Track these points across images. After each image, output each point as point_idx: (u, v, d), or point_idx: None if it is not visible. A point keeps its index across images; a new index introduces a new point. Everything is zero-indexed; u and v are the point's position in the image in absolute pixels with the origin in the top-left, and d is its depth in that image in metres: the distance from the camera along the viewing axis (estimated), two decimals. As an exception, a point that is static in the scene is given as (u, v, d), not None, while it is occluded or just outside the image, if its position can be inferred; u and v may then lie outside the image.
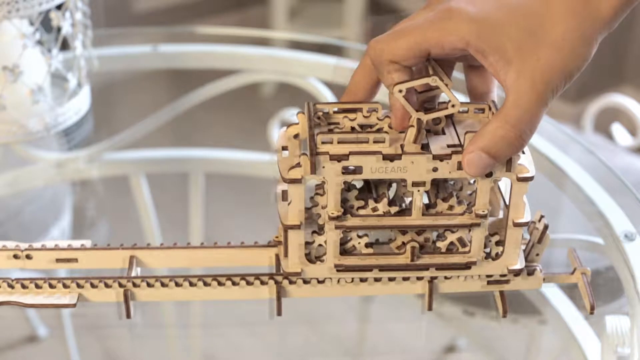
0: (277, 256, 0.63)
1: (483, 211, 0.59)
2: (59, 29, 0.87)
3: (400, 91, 0.56)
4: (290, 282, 0.62)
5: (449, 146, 0.57)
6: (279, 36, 2.22)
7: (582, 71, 0.57)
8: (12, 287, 0.62)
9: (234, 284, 0.62)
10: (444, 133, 0.59)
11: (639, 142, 1.36)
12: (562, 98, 2.19)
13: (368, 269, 0.61)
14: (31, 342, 1.55)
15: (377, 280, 0.62)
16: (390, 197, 0.61)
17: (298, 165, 0.57)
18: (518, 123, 0.55)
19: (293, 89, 1.09)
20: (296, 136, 0.60)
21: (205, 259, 0.65)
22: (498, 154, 0.56)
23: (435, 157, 0.57)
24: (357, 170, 0.57)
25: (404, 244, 0.60)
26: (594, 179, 0.85)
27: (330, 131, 0.58)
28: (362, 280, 0.62)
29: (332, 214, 0.58)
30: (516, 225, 0.59)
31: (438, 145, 0.57)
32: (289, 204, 0.59)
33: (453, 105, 0.57)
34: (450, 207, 0.59)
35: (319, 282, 0.62)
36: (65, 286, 0.62)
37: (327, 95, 1.03)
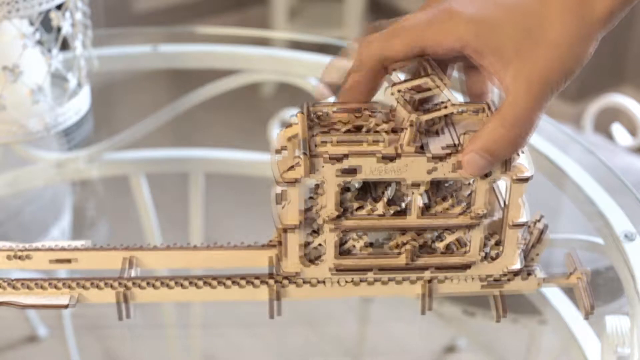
0: (276, 257, 0.63)
1: (481, 212, 0.58)
2: (59, 29, 0.87)
3: (399, 91, 0.56)
4: (289, 283, 0.62)
5: (447, 146, 0.57)
6: (279, 36, 2.22)
7: (582, 71, 0.57)
8: (8, 287, 0.62)
9: (232, 284, 0.62)
10: (442, 133, 0.59)
11: (639, 142, 1.36)
12: (562, 98, 2.19)
13: (366, 269, 0.60)
14: (31, 342, 1.55)
15: (375, 281, 0.62)
16: (389, 198, 0.61)
17: (295, 166, 0.57)
18: (516, 123, 0.55)
19: (293, 89, 1.09)
20: (292, 137, 0.60)
21: (203, 259, 0.65)
22: (496, 154, 0.56)
23: (433, 158, 0.56)
24: (354, 171, 0.57)
25: (402, 244, 0.60)
26: (594, 179, 0.85)
27: (328, 132, 0.58)
28: (361, 281, 0.62)
29: (329, 215, 0.58)
30: (514, 225, 0.59)
31: (436, 145, 0.57)
32: (287, 204, 0.58)
33: (450, 106, 0.57)
34: (449, 208, 0.59)
35: (317, 282, 0.61)
36: (62, 286, 0.62)
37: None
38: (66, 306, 0.61)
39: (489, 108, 0.59)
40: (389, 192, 0.61)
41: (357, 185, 0.60)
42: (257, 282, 0.62)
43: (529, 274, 0.62)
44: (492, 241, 0.60)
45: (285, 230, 0.59)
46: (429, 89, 0.58)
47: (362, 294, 0.63)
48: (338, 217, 0.58)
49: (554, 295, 0.87)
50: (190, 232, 1.20)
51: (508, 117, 0.55)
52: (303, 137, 0.58)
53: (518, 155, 0.58)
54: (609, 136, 1.43)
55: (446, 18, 0.55)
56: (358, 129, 0.59)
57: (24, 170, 1.08)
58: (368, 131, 0.58)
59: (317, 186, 0.59)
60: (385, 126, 0.58)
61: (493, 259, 0.61)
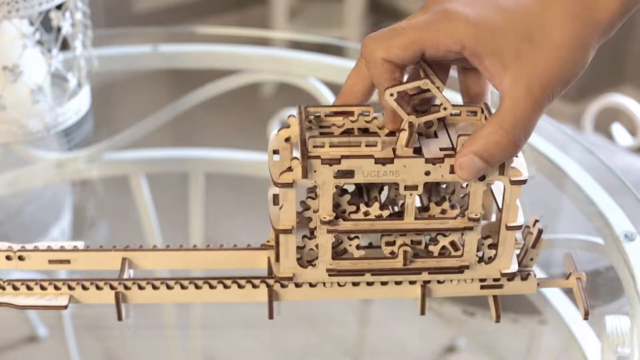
0: (274, 258, 0.63)
1: (476, 215, 0.58)
2: (59, 29, 0.87)
3: (392, 95, 0.56)
4: (283, 286, 0.61)
5: (441, 149, 0.57)
6: (279, 36, 2.22)
7: (582, 71, 0.57)
8: (3, 288, 0.62)
9: (225, 287, 0.62)
10: (436, 136, 0.58)
11: (639, 142, 1.36)
12: (562, 98, 2.19)
13: (361, 273, 0.60)
14: (31, 342, 1.55)
15: (370, 284, 0.61)
16: (383, 201, 0.61)
17: (290, 169, 0.57)
18: (513, 129, 0.55)
19: (293, 89, 1.09)
20: (288, 140, 0.60)
21: (203, 260, 0.65)
22: (491, 158, 0.56)
23: (428, 161, 0.56)
24: (350, 174, 0.56)
25: (398, 247, 0.60)
26: (594, 179, 0.85)
27: (323, 134, 0.58)
28: (355, 284, 0.61)
29: (325, 218, 0.58)
30: (509, 228, 0.59)
31: (431, 148, 0.57)
32: (280, 207, 0.58)
33: (445, 108, 0.57)
34: (443, 211, 0.59)
35: (311, 285, 0.61)
36: (56, 288, 0.62)
37: (327, 96, 1.03)
38: (65, 307, 0.61)
39: (484, 111, 0.58)
40: (383, 195, 0.61)
41: (350, 189, 0.60)
42: (249, 285, 0.62)
43: (523, 279, 0.62)
44: (487, 244, 0.60)
45: (279, 234, 0.59)
46: (425, 92, 0.58)
47: (357, 297, 0.63)
48: (332, 220, 0.58)
49: (554, 295, 0.87)
50: (190, 232, 1.20)
51: (506, 121, 0.55)
52: (297, 139, 0.58)
53: (513, 158, 0.57)
54: (609, 136, 1.43)
55: (445, 20, 0.55)
56: (354, 131, 0.59)
57: (24, 170, 1.08)
58: (364, 133, 0.58)
59: (310, 189, 0.59)
60: (378, 129, 0.58)
61: (488, 262, 0.60)
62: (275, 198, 0.60)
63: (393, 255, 0.60)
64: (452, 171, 0.56)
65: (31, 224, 1.17)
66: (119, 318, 0.62)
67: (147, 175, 1.13)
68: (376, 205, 0.58)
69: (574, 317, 0.84)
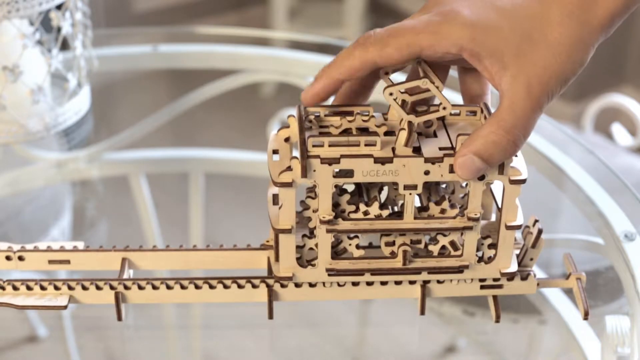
0: (273, 258, 0.63)
1: (475, 214, 0.58)
2: (59, 29, 0.87)
3: (391, 94, 0.56)
4: (282, 286, 0.61)
5: (441, 149, 0.57)
6: (279, 36, 2.22)
7: (583, 71, 0.56)
8: (3, 288, 0.62)
9: (225, 287, 0.62)
10: (436, 136, 0.58)
11: (639, 142, 1.36)
12: (562, 98, 2.19)
13: (360, 273, 0.60)
14: (31, 342, 1.55)
15: (369, 284, 0.61)
16: (382, 200, 0.61)
17: (289, 168, 0.57)
18: (512, 129, 0.55)
19: (293, 89, 1.09)
20: (287, 139, 0.60)
21: (199, 261, 0.65)
22: (490, 158, 0.55)
23: (427, 160, 0.56)
24: (349, 173, 0.56)
25: (397, 246, 0.60)
26: (594, 179, 0.85)
27: (322, 134, 0.58)
28: (355, 284, 0.61)
29: (324, 217, 0.58)
30: (509, 228, 0.59)
31: (430, 148, 0.57)
32: (280, 207, 0.58)
33: (444, 108, 0.57)
34: (443, 211, 0.59)
35: (311, 285, 0.61)
36: (56, 288, 0.62)
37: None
38: (65, 307, 0.61)
39: (483, 111, 0.58)
40: (382, 195, 0.61)
41: (350, 188, 0.60)
42: (249, 285, 0.62)
43: (523, 279, 0.62)
44: (486, 243, 0.60)
45: (279, 233, 0.59)
46: (424, 91, 0.58)
47: (357, 297, 0.63)
48: (331, 220, 0.58)
49: (554, 295, 0.87)
50: (190, 232, 1.20)
51: (504, 123, 0.55)
52: (296, 139, 0.58)
53: (512, 158, 0.57)
54: (609, 136, 1.43)
55: (444, 22, 0.55)
56: (353, 130, 0.59)
57: (24, 170, 1.08)
58: (363, 133, 0.58)
59: (309, 189, 0.59)
60: (379, 128, 0.58)
61: (487, 261, 0.60)
62: (275, 198, 0.60)
63: (392, 255, 0.60)
64: (451, 171, 0.56)
65: (31, 224, 1.17)
66: (119, 318, 0.62)
67: (147, 175, 1.13)
68: (376, 204, 0.58)
69: (574, 317, 0.84)
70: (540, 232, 0.61)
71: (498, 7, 0.55)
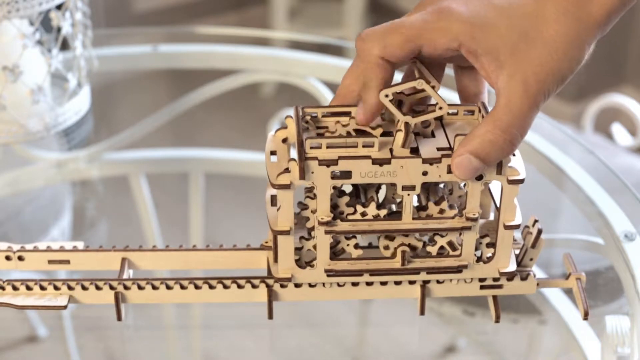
0: (272, 259, 0.63)
1: (474, 214, 0.58)
2: (59, 29, 0.87)
3: (387, 96, 0.56)
4: (282, 286, 0.61)
5: (438, 149, 0.57)
6: (279, 36, 2.22)
7: (582, 71, 0.56)
8: (2, 288, 0.62)
9: (225, 287, 0.62)
10: (433, 136, 0.58)
11: (639, 142, 1.36)
12: (562, 98, 2.19)
13: (359, 273, 0.60)
14: (31, 342, 1.55)
15: (369, 284, 0.61)
16: (380, 201, 0.61)
17: (287, 170, 0.57)
18: (509, 128, 0.55)
19: (293, 89, 1.09)
20: (285, 140, 0.60)
21: (199, 261, 0.65)
22: (487, 158, 0.55)
23: (425, 161, 0.56)
24: (347, 174, 0.56)
25: (396, 247, 0.60)
26: (594, 179, 0.85)
27: (320, 136, 0.58)
28: (355, 284, 0.61)
29: (322, 219, 0.58)
30: (507, 227, 0.59)
31: (428, 148, 0.57)
32: (278, 209, 0.58)
33: (441, 108, 0.57)
34: (441, 211, 0.59)
35: (311, 285, 0.61)
36: (56, 288, 0.62)
37: (327, 96, 1.03)
38: (65, 307, 0.61)
39: (481, 110, 0.58)
40: (380, 195, 0.61)
41: (348, 189, 0.60)
42: (248, 285, 0.62)
43: (523, 279, 0.62)
44: (484, 243, 0.60)
45: (277, 235, 0.59)
46: (420, 92, 0.58)
47: (356, 297, 0.63)
48: (329, 221, 0.58)
49: (554, 295, 0.87)
50: (190, 232, 1.20)
51: (500, 122, 0.55)
52: (294, 140, 0.58)
53: (510, 158, 0.57)
54: (609, 136, 1.43)
55: (441, 18, 0.55)
56: (350, 132, 0.59)
57: (24, 170, 1.08)
58: (361, 134, 0.58)
59: (308, 190, 0.59)
60: (377, 129, 0.58)
61: (486, 261, 0.60)
62: (273, 199, 0.60)
63: (391, 255, 0.60)
64: (449, 171, 0.56)
65: (31, 224, 1.17)
66: (119, 318, 0.62)
67: (147, 175, 1.13)
68: (373, 205, 0.58)
69: (574, 317, 0.84)
70: (540, 232, 0.61)
71: (494, 5, 0.55)
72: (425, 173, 0.56)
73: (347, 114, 0.59)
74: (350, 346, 1.59)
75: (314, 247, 0.59)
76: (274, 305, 0.62)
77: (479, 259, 0.60)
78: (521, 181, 0.57)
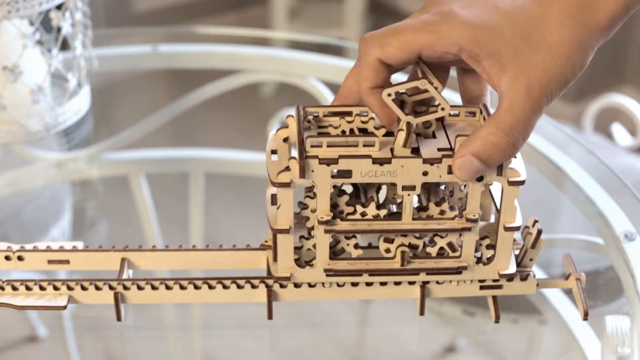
0: (272, 258, 0.63)
1: (474, 215, 0.58)
2: (59, 29, 0.87)
3: (389, 95, 0.56)
4: (281, 286, 0.61)
5: (439, 150, 0.57)
6: (279, 36, 2.22)
7: (583, 71, 0.56)
8: (2, 288, 0.62)
9: (224, 287, 0.62)
10: (434, 136, 0.58)
11: (639, 142, 1.36)
12: (562, 98, 2.19)
13: (358, 273, 0.60)
14: (31, 342, 1.55)
15: (369, 284, 0.61)
16: (381, 201, 0.61)
17: (287, 169, 0.57)
18: (511, 130, 0.55)
19: (293, 89, 1.09)
20: (286, 140, 0.60)
21: (198, 261, 0.65)
22: (489, 159, 0.55)
23: (425, 161, 0.56)
24: (347, 174, 0.56)
25: (395, 247, 0.60)
26: (594, 179, 0.85)
27: (320, 135, 0.58)
28: (354, 284, 0.61)
29: (322, 218, 0.58)
30: (507, 229, 0.59)
31: (429, 149, 0.57)
32: (278, 207, 0.58)
33: (443, 109, 0.57)
34: (442, 212, 0.59)
35: (310, 285, 0.61)
36: (55, 288, 0.62)
37: (327, 96, 1.03)
38: (64, 307, 0.61)
39: (482, 112, 0.58)
40: (380, 195, 0.61)
41: (348, 189, 0.60)
42: (248, 285, 0.62)
43: (523, 279, 0.62)
44: (484, 244, 0.60)
45: (277, 234, 0.59)
46: (423, 92, 0.58)
47: (355, 297, 0.63)
48: (329, 220, 0.58)
49: (554, 295, 0.87)
50: (190, 232, 1.20)
51: (503, 125, 0.55)
52: (295, 139, 0.58)
53: (510, 159, 0.57)
54: (609, 136, 1.43)
55: (443, 22, 0.55)
56: (351, 131, 0.58)
57: (24, 170, 1.08)
58: (361, 133, 0.58)
59: (308, 189, 0.59)
60: (378, 129, 0.58)
61: (486, 263, 0.60)
62: (273, 198, 0.60)
63: (391, 255, 0.60)
64: (450, 172, 0.56)
65: (31, 224, 1.17)
66: (118, 318, 0.62)
67: (147, 175, 1.13)
68: (373, 205, 0.58)
69: (574, 317, 0.84)
70: (539, 232, 0.61)
71: (498, 8, 0.55)
72: (425, 173, 0.56)
73: (349, 113, 0.59)
74: (350, 346, 1.59)
75: (314, 246, 0.59)
76: (274, 305, 0.62)
77: (478, 260, 0.60)
78: (522, 183, 0.57)
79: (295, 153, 0.57)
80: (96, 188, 1.19)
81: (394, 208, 0.62)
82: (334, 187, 0.57)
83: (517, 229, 0.59)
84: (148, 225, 1.16)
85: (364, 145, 0.56)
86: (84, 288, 0.62)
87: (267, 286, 0.61)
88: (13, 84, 0.83)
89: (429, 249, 0.60)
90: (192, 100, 1.10)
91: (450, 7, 0.55)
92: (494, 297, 0.62)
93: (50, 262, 0.64)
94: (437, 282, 0.62)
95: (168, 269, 0.66)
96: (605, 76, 2.22)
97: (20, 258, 0.64)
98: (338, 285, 0.61)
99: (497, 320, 0.62)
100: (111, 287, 0.62)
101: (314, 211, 0.58)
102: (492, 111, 0.57)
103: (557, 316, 0.86)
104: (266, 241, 0.63)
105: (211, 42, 1.10)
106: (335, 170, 0.56)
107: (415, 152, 0.57)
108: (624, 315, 0.74)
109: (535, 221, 0.61)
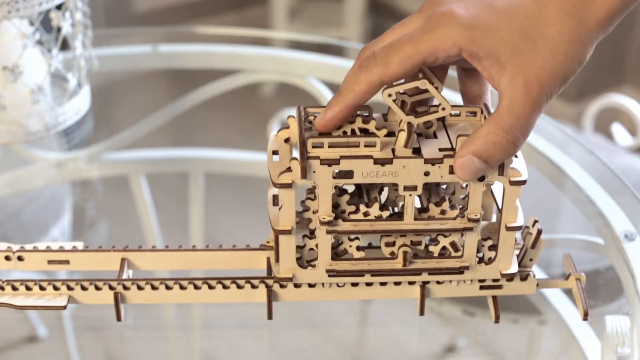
0: (273, 258, 0.63)
1: (475, 215, 0.58)
2: (59, 29, 0.87)
3: (390, 95, 0.56)
4: (282, 286, 0.61)
5: (440, 150, 0.57)
6: (279, 36, 2.22)
7: (582, 71, 0.56)
8: (2, 288, 0.62)
9: (224, 287, 0.62)
10: (435, 136, 0.58)
11: (639, 142, 1.36)
12: (562, 98, 2.19)
13: (360, 274, 0.60)
14: (31, 342, 1.55)
15: (369, 284, 0.61)
16: (382, 202, 0.61)
17: (289, 169, 0.57)
18: (511, 129, 0.55)
19: (293, 89, 1.09)
20: (287, 140, 0.60)
21: (198, 261, 0.65)
22: (490, 159, 0.55)
23: (427, 161, 0.56)
24: (349, 174, 0.56)
25: (397, 247, 0.60)
26: (594, 179, 0.85)
27: (322, 135, 0.58)
28: (354, 284, 0.61)
29: (324, 218, 0.58)
30: (509, 229, 0.59)
31: (430, 149, 0.57)
32: (280, 208, 0.58)
33: (444, 109, 0.57)
34: (443, 212, 0.59)
35: (310, 286, 0.61)
36: (55, 288, 0.62)
37: (327, 96, 1.03)
38: (64, 307, 0.61)
39: (483, 111, 0.58)
40: (382, 196, 0.61)
41: (350, 189, 0.60)
42: (248, 285, 0.62)
43: (523, 279, 0.62)
44: (487, 245, 0.60)
45: (279, 234, 0.59)
46: (423, 92, 0.58)
47: (356, 298, 0.63)
48: (331, 221, 0.58)
49: (554, 295, 0.87)
50: (190, 232, 1.20)
51: (503, 123, 0.55)
52: (296, 140, 0.58)
53: (512, 159, 0.57)
54: (609, 136, 1.43)
55: (440, 24, 0.55)
56: (352, 131, 0.58)
57: (24, 170, 1.08)
58: (363, 134, 0.58)
59: (309, 190, 0.59)
60: (380, 130, 0.58)
61: (487, 263, 0.60)
62: (275, 199, 0.60)
63: (393, 256, 0.60)
64: (451, 172, 0.56)
65: (31, 224, 1.17)
66: (118, 318, 0.62)
67: (147, 175, 1.13)
68: (376, 205, 0.58)
69: (574, 317, 0.84)
70: (539, 232, 0.61)
71: (495, 7, 0.55)
72: (427, 173, 0.56)
73: None
74: (350, 346, 1.59)
75: (316, 247, 0.59)
76: (274, 306, 0.62)
77: (480, 260, 0.60)
78: (523, 182, 0.57)
79: (296, 154, 0.57)
80: (96, 188, 1.19)
81: (396, 208, 0.62)
82: (336, 187, 0.57)
83: (518, 228, 0.59)
84: (148, 225, 1.16)
85: (366, 146, 0.56)
86: (84, 288, 0.62)
87: (267, 286, 0.61)
88: (13, 84, 0.83)
89: (431, 248, 0.60)
90: (192, 100, 1.10)
91: (448, 8, 0.55)
92: (494, 297, 0.62)
93: (50, 262, 0.64)
94: (438, 282, 0.62)
95: (168, 269, 0.66)
96: (605, 76, 2.22)
97: (20, 258, 0.64)
98: (338, 285, 0.61)
99: (497, 321, 0.62)
100: (111, 287, 0.62)
101: (315, 212, 0.58)
102: (492, 111, 0.57)
103: (557, 316, 0.86)
104: (267, 242, 0.63)
105: (211, 42, 1.10)
106: (336, 171, 0.56)
107: (417, 152, 0.57)
108: (624, 315, 0.74)
109: (535, 221, 0.61)
